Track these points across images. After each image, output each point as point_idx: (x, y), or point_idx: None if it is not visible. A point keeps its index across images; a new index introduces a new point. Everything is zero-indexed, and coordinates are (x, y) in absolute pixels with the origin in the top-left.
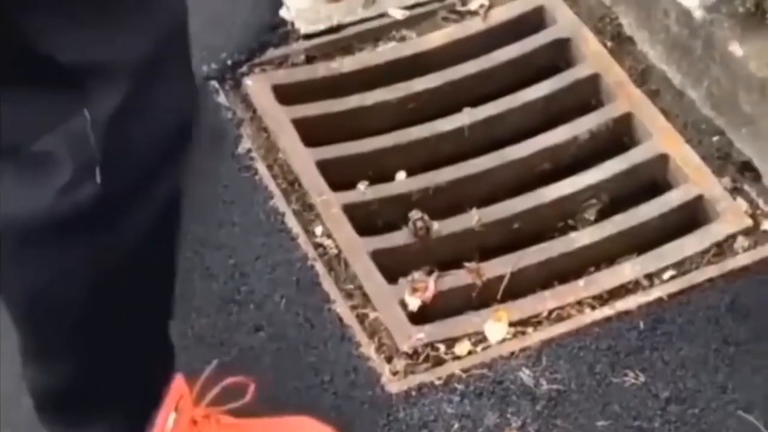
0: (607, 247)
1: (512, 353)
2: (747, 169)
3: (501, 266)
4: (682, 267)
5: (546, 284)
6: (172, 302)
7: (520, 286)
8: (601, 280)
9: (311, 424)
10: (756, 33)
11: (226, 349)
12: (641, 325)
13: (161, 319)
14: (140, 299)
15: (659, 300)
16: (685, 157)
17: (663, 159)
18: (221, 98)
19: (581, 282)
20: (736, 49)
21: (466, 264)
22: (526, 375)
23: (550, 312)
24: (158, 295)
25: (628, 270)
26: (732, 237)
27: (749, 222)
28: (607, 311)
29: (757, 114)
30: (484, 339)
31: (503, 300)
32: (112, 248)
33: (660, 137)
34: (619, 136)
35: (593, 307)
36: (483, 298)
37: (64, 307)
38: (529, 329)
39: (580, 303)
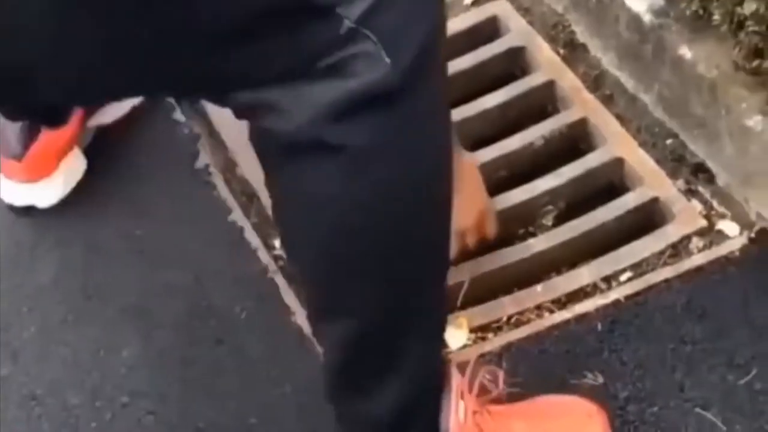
0: (565, 252)
1: (472, 370)
2: (700, 170)
3: (460, 274)
4: (638, 269)
5: (505, 290)
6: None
7: (480, 292)
8: (559, 284)
9: (569, 399)
10: (703, 35)
11: (188, 365)
12: (599, 327)
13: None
14: (430, 207)
15: (616, 302)
16: (639, 160)
17: (618, 163)
18: (177, 114)
19: (539, 287)
20: (685, 52)
21: None
22: (486, 380)
23: (510, 317)
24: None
25: (585, 273)
26: (687, 238)
27: (704, 223)
28: (565, 315)
29: (708, 116)
30: (444, 346)
31: (463, 307)
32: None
33: (614, 142)
34: (575, 142)
35: (551, 311)
36: None
37: (363, 227)
38: (490, 335)
39: (539, 307)
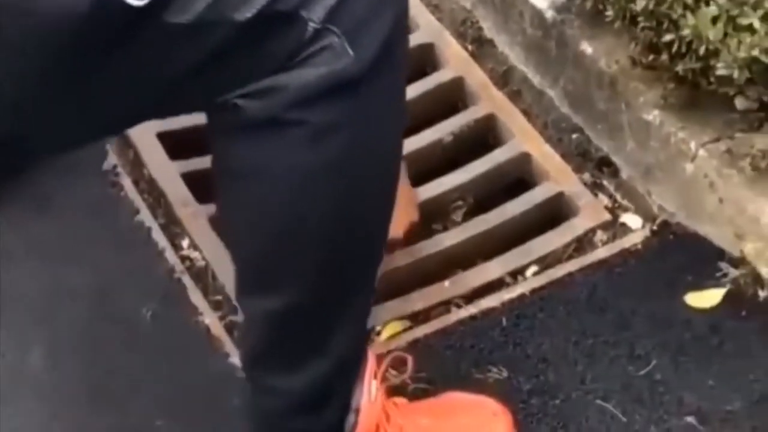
0: (474, 247)
1: (380, 354)
2: (605, 164)
3: None
4: (544, 262)
5: (415, 286)
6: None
7: (390, 288)
8: (467, 279)
9: (474, 398)
10: (603, 31)
11: (94, 369)
12: (504, 321)
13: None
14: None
15: (522, 296)
16: (545, 155)
17: (525, 158)
18: None
19: (447, 283)
20: (586, 47)
21: None
22: (393, 376)
23: (418, 313)
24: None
25: (493, 268)
26: (591, 231)
27: (608, 216)
28: (471, 310)
29: (609, 110)
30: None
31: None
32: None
33: (521, 137)
34: (483, 138)
35: (459, 306)
36: None
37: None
38: (398, 330)
39: (446, 303)
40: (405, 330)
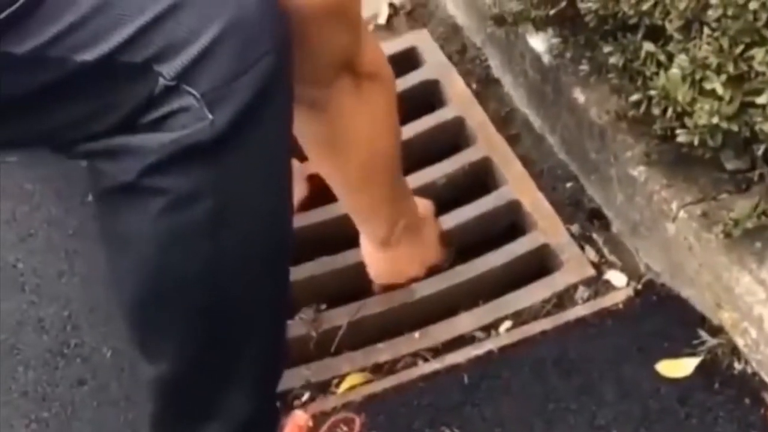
0: (449, 298)
1: (333, 408)
2: (596, 216)
3: (339, 317)
4: (519, 318)
5: (384, 336)
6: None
7: (359, 337)
8: (437, 331)
9: None
10: (597, 79)
11: (47, 405)
12: (466, 379)
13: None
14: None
15: (489, 353)
16: (535, 203)
17: (515, 206)
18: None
19: (417, 334)
20: (579, 95)
21: (302, 315)
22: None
23: (382, 365)
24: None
25: (464, 321)
26: (573, 287)
27: (592, 272)
28: (435, 365)
29: (600, 161)
30: (274, 399)
31: (338, 352)
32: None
33: (514, 183)
34: (477, 181)
35: (426, 359)
36: (320, 348)
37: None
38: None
39: (414, 355)
40: (364, 383)
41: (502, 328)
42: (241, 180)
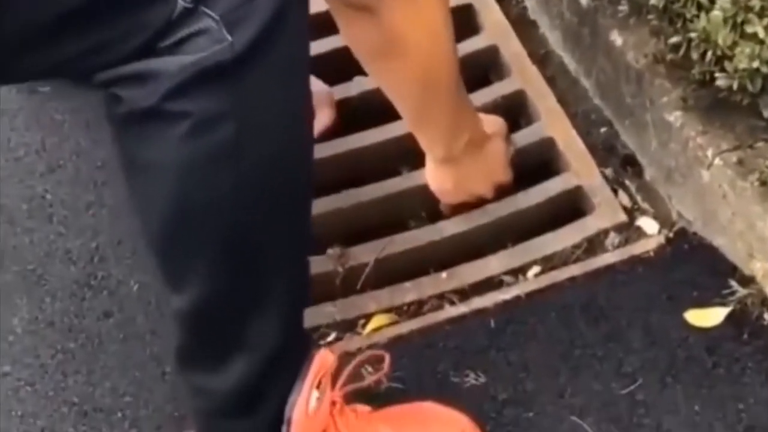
0: (477, 238)
1: (359, 349)
2: (630, 162)
3: (366, 254)
4: (548, 263)
5: (410, 275)
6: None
7: (385, 274)
8: (465, 273)
9: (445, 411)
10: (636, 22)
11: (74, 336)
12: (492, 323)
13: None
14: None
15: (516, 298)
16: (570, 144)
17: (549, 143)
18: None
19: (444, 274)
20: (617, 38)
21: (329, 250)
22: (367, 373)
23: (409, 305)
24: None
25: (493, 263)
26: (604, 232)
27: (624, 218)
28: (462, 309)
29: (635, 106)
30: (302, 329)
31: (364, 289)
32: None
33: (549, 121)
34: (510, 115)
35: (453, 303)
36: (346, 285)
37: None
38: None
39: (440, 297)
40: (390, 324)
41: (531, 273)
42: (262, 101)
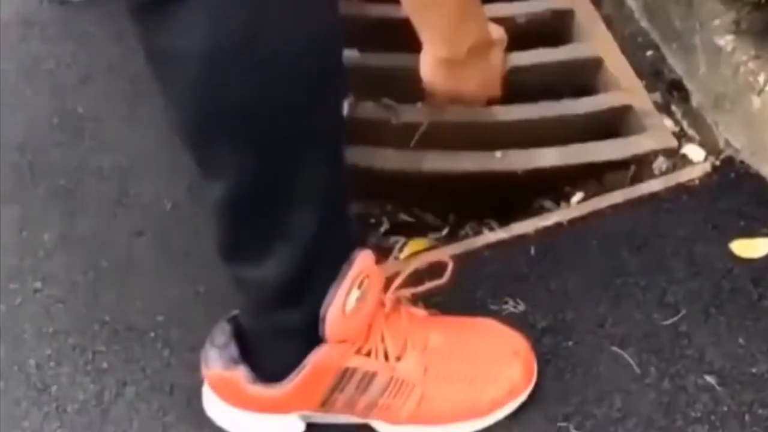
0: (527, 130)
1: (396, 273)
2: (676, 87)
3: (420, 114)
4: (591, 189)
5: (461, 146)
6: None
7: (436, 139)
8: (519, 158)
9: (501, 329)
10: None
11: (105, 253)
12: (532, 250)
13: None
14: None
15: (558, 225)
16: (619, 65)
17: (597, 63)
18: None
19: (498, 153)
20: None
21: (385, 99)
22: (408, 292)
23: (452, 227)
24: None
25: (548, 155)
26: (654, 153)
27: (674, 142)
28: (502, 234)
29: (684, 29)
30: (345, 223)
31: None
32: None
33: (597, 41)
34: (557, 30)
35: (492, 228)
36: (399, 140)
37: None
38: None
39: (479, 223)
40: (427, 249)
41: (574, 199)
42: None
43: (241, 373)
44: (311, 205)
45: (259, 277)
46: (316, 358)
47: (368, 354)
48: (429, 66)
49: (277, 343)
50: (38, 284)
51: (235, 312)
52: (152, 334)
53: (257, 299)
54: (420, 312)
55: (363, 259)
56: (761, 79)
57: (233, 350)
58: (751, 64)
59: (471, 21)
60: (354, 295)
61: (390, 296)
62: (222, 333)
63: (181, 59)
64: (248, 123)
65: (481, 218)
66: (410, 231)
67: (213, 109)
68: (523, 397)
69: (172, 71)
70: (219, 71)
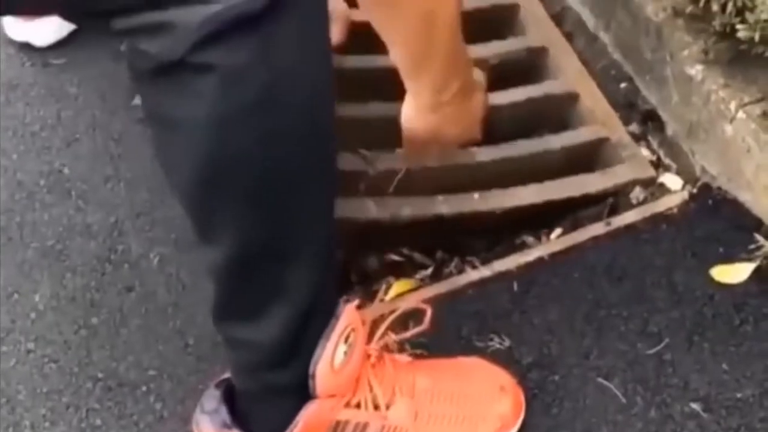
0: (506, 169)
1: (381, 315)
2: (651, 117)
3: (398, 161)
4: (570, 222)
5: (439, 190)
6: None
7: (414, 185)
8: (497, 197)
9: (486, 366)
10: None
11: (96, 311)
12: (515, 286)
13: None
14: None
15: (539, 260)
16: (595, 98)
17: (573, 98)
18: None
19: (476, 195)
20: None
21: (362, 150)
22: (391, 339)
23: (437, 267)
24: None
25: (525, 193)
26: (632, 183)
27: (651, 172)
28: (484, 272)
29: (655, 60)
30: (334, 280)
31: (395, 193)
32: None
33: (572, 76)
34: (531, 69)
35: (474, 266)
36: (373, 188)
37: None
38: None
39: (462, 260)
40: (412, 290)
41: (553, 234)
42: (291, 50)
43: None
44: (307, 263)
45: (253, 337)
46: (307, 414)
47: (357, 406)
48: (412, 112)
49: (268, 403)
50: (31, 345)
51: (224, 376)
52: (144, 389)
53: (250, 360)
54: (404, 358)
55: (348, 313)
56: (732, 106)
57: (224, 415)
58: (721, 93)
59: (457, 68)
60: (341, 349)
61: (374, 347)
62: (212, 398)
63: (186, 126)
64: (249, 187)
65: (465, 255)
66: (398, 271)
67: (214, 176)
68: (514, 431)
69: (176, 137)
70: (224, 140)
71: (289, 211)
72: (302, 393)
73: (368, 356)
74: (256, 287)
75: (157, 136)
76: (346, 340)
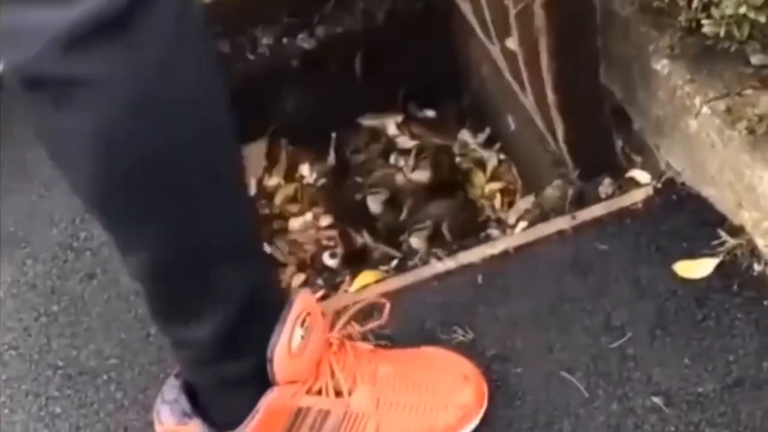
0: None
1: (345, 307)
2: (618, 114)
3: None
4: (537, 211)
5: None
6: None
7: None
8: None
9: (449, 356)
10: None
11: (57, 298)
12: (479, 279)
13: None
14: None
15: (504, 253)
16: None
17: None
18: None
19: None
20: None
21: None
22: (354, 330)
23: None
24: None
25: None
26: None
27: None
28: (449, 264)
29: (621, 55)
30: (271, 271)
31: None
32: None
33: None
34: None
35: (439, 258)
36: None
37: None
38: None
39: (427, 253)
40: (377, 282)
41: (518, 227)
42: (162, 47)
43: (194, 427)
44: (230, 258)
45: (194, 336)
46: (267, 401)
47: (319, 392)
48: None
49: (226, 394)
50: None
51: None
52: (105, 377)
53: (196, 357)
54: (367, 346)
55: (302, 299)
56: (697, 101)
57: (184, 404)
58: (686, 88)
59: None
60: (298, 332)
61: (336, 335)
62: (172, 388)
63: (71, 138)
64: (150, 194)
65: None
66: (363, 262)
67: (112, 185)
68: (476, 421)
69: (65, 149)
70: (111, 148)
71: (198, 210)
72: (261, 381)
73: (330, 344)
74: (183, 290)
75: (48, 151)
76: (302, 324)
